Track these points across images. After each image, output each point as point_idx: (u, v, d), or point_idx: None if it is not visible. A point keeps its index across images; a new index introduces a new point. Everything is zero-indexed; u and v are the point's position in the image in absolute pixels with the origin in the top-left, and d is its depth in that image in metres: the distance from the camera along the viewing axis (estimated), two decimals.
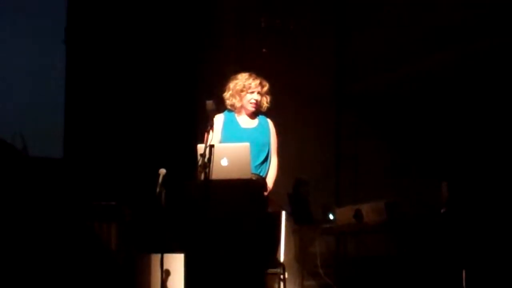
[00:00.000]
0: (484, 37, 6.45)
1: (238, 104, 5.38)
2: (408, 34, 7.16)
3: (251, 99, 5.34)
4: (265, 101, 5.40)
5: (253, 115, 5.43)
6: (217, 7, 7.76)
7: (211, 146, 4.72)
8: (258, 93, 5.35)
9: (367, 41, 7.57)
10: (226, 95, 5.41)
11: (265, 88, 5.39)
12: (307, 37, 7.74)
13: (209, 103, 4.88)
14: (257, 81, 5.35)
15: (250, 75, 5.38)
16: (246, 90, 5.34)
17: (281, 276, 5.19)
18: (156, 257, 5.46)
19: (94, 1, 7.53)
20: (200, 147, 4.78)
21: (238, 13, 7.71)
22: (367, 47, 7.58)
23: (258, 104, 5.37)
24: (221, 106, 5.40)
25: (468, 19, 6.58)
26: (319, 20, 7.85)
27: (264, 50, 7.57)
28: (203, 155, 4.70)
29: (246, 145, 4.88)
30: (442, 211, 5.91)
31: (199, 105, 5.97)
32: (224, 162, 4.78)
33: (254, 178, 5.09)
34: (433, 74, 6.95)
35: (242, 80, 5.36)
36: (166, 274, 5.54)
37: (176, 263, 5.53)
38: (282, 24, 7.74)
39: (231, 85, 5.39)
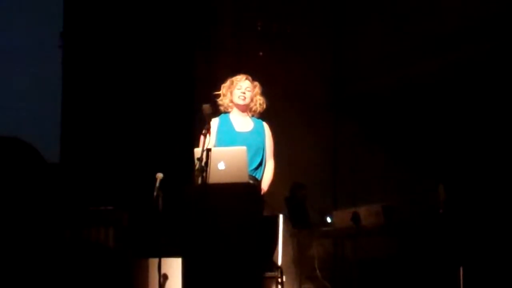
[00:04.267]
0: (481, 42, 6.46)
1: (228, 102, 5.38)
2: (404, 39, 7.17)
3: (239, 92, 5.35)
4: (259, 102, 5.40)
5: (246, 115, 5.40)
6: (214, 11, 7.76)
7: (208, 150, 4.71)
8: (247, 88, 5.36)
9: (364, 45, 7.58)
10: (219, 96, 5.44)
11: (257, 89, 5.41)
12: (304, 41, 7.75)
13: (206, 107, 4.88)
14: (244, 77, 5.39)
15: (238, 74, 5.43)
16: (234, 85, 5.36)
17: (279, 280, 5.19)
18: (153, 262, 5.45)
19: (90, 6, 7.53)
20: (197, 151, 4.78)
21: (235, 16, 7.72)
22: (364, 51, 7.59)
23: (247, 99, 5.35)
24: (218, 110, 5.41)
25: (464, 24, 6.59)
26: (316, 24, 7.86)
27: (261, 53, 7.58)
28: (200, 159, 4.70)
29: (243, 148, 4.87)
30: (440, 211, 5.91)
31: (196, 109, 5.97)
32: (221, 166, 4.78)
33: (251, 181, 5.08)
34: (430, 78, 6.96)
35: (231, 78, 5.41)
36: (164, 278, 5.52)
37: (173, 267, 5.51)
38: (279, 28, 7.75)
39: (222, 86, 5.43)
